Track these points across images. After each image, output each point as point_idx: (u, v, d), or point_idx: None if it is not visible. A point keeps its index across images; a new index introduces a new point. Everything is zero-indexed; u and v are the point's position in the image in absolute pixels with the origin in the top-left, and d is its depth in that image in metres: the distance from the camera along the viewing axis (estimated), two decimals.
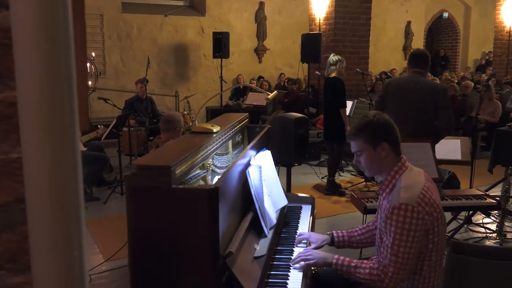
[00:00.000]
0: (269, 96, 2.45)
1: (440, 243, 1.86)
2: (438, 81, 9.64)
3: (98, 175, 5.68)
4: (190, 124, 6.75)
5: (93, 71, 6.86)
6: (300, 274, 1.96)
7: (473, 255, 2.06)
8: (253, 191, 2.03)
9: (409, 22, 13.07)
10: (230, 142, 2.48)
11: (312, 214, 2.72)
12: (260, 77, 10.99)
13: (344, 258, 1.95)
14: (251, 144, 2.29)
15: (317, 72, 6.94)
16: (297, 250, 2.18)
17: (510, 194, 4.49)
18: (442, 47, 14.55)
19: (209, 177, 2.06)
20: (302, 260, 1.98)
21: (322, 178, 6.25)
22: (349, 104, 6.76)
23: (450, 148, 4.20)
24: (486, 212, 4.31)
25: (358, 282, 1.94)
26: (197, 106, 10.35)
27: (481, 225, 4.47)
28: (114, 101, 8.86)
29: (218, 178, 1.71)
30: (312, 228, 2.63)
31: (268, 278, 1.91)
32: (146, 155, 1.68)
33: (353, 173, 6.64)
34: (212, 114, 9.92)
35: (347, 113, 6.65)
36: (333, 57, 5.45)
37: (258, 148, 2.45)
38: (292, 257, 2.07)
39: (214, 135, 2.11)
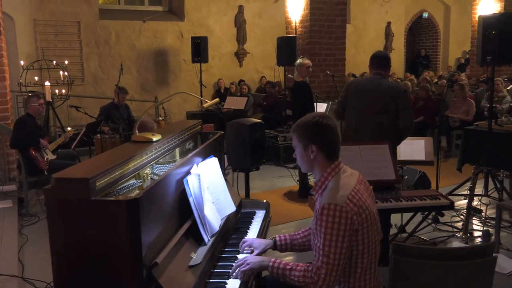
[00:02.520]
0: (204, 105, 2.44)
1: (372, 244, 1.87)
2: (415, 81, 9.73)
3: None
4: None
5: (66, 78, 6.82)
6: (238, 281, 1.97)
7: (412, 256, 2.09)
8: (191, 199, 2.04)
9: (389, 23, 13.17)
10: (177, 150, 2.48)
11: (265, 219, 2.73)
12: (241, 80, 11.01)
13: (281, 261, 1.96)
14: (194, 152, 2.30)
15: (289, 75, 6.97)
16: (242, 257, 2.19)
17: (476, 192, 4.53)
18: (423, 47, 14.67)
19: (148, 186, 2.05)
20: (237, 267, 1.99)
21: (297, 181, 6.26)
22: (323, 106, 6.80)
23: (414, 148, 4.23)
24: (440, 212, 4.33)
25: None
26: (178, 111, 10.37)
27: (449, 224, 4.51)
28: (94, 108, 8.85)
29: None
30: (264, 233, 2.64)
31: (205, 286, 1.91)
32: (69, 168, 1.68)
33: None
34: (192, 118, 9.91)
35: None
36: (296, 61, 5.46)
37: (205, 155, 2.46)
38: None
39: (154, 143, 2.11)
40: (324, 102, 6.88)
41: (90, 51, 9.47)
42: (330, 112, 6.80)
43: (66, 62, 7.36)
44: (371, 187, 2.81)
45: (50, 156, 5.15)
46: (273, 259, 1.99)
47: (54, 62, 7.15)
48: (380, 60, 3.80)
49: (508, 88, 8.42)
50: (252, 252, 2.20)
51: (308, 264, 1.89)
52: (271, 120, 8.57)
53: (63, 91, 7.09)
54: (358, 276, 1.88)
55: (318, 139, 1.93)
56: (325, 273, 1.79)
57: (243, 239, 2.25)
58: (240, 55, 11.30)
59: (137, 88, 10.10)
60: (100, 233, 1.52)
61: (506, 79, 9.01)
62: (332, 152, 1.96)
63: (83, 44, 9.36)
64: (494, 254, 2.10)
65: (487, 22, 4.46)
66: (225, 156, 3.19)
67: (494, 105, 5.11)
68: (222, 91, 10.71)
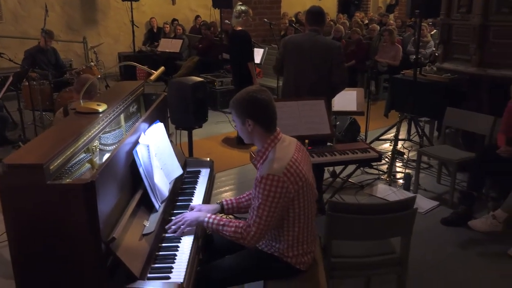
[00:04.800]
0: (151, 77, 2.44)
1: (307, 207, 2.09)
2: (348, 24, 9.94)
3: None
4: (99, 76, 6.49)
5: None
6: (191, 239, 2.11)
7: (345, 212, 2.35)
8: (141, 170, 2.10)
9: None
10: (122, 116, 2.49)
11: (210, 178, 2.86)
12: (174, 19, 10.62)
13: (215, 217, 2.15)
14: (140, 120, 2.33)
15: (226, 21, 6.86)
16: None
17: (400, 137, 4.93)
18: None
19: (96, 158, 2.09)
20: (175, 223, 2.16)
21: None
22: (260, 51, 6.84)
23: (347, 99, 4.48)
24: (370, 164, 4.72)
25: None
26: (109, 52, 9.91)
27: (375, 167, 4.91)
28: (16, 49, 8.22)
29: (96, 169, 1.75)
30: (210, 192, 2.78)
31: (159, 251, 2.04)
32: (19, 150, 1.67)
33: None
34: (125, 60, 9.54)
35: (258, 61, 6.75)
36: (237, 8, 5.34)
37: (152, 120, 2.49)
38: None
39: (100, 115, 2.12)
40: (260, 47, 6.90)
41: None
42: (268, 57, 6.87)
43: None
44: (308, 149, 3.01)
45: None
46: (208, 215, 2.17)
47: None
48: (316, 16, 3.88)
49: (432, 32, 8.88)
50: None
51: (240, 221, 2.10)
52: (207, 64, 8.49)
53: None
54: (296, 235, 2.11)
55: (253, 114, 2.05)
56: (255, 232, 2.02)
57: (191, 206, 2.38)
58: None
59: (62, 27, 9.45)
60: (57, 217, 1.57)
61: (431, 23, 9.44)
62: (269, 124, 2.10)
63: None
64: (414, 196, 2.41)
65: None
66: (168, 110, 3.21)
67: (419, 55, 5.43)
68: (155, 30, 10.31)
